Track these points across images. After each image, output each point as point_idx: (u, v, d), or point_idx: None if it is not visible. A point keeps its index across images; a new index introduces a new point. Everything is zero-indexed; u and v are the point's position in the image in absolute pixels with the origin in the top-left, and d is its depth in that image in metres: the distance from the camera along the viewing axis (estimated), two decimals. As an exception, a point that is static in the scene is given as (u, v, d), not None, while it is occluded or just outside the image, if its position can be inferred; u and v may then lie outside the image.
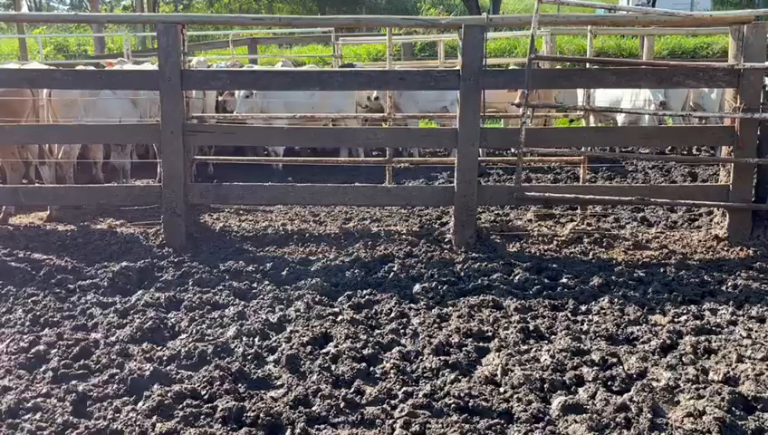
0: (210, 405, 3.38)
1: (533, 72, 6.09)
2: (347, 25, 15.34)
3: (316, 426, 3.25)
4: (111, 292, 5.01)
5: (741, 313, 4.56)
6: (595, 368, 3.72)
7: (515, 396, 3.46)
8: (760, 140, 5.98)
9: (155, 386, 3.55)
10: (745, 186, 6.01)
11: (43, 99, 7.57)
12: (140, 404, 3.40)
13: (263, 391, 3.56)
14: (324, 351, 3.98)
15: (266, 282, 5.17)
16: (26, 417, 3.30)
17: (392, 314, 4.53)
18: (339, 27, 14.43)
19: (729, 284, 5.11)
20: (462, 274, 5.35)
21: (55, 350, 3.99)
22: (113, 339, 4.16)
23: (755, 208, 6.04)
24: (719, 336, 4.20)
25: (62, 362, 3.83)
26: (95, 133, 7.02)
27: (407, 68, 11.27)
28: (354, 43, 18.96)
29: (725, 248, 5.99)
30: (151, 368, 3.71)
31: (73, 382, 3.62)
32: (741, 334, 4.20)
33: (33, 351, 3.96)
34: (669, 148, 10.12)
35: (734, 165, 6.05)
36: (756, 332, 4.24)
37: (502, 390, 3.55)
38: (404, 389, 3.53)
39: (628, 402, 3.36)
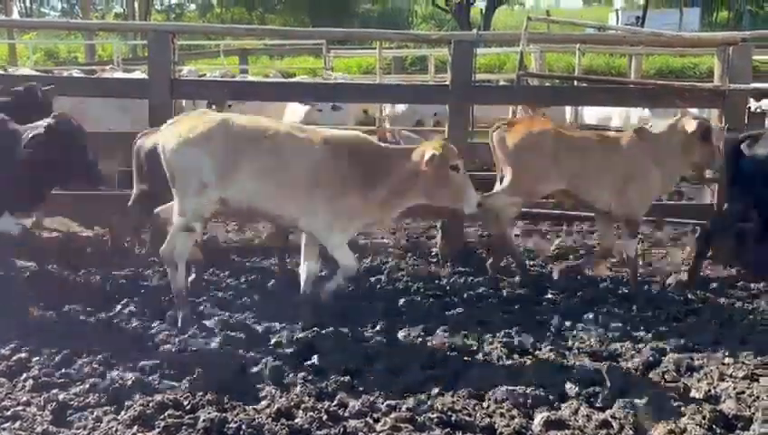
0: (192, 416, 3.35)
1: (522, 88, 6.14)
2: (338, 38, 15.43)
3: (298, 439, 3.24)
4: (96, 300, 4.97)
5: (723, 331, 4.59)
6: (578, 384, 3.73)
7: (498, 411, 3.46)
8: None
9: (137, 396, 3.52)
10: (730, 205, 6.05)
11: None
12: (122, 414, 3.37)
13: (245, 403, 3.54)
14: (308, 363, 3.97)
15: (251, 293, 5.16)
16: (5, 425, 3.26)
17: (377, 327, 4.52)
18: (330, 40, 14.48)
19: (712, 302, 5.15)
20: (448, 288, 5.35)
21: (37, 358, 3.96)
22: (96, 348, 4.12)
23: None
24: (701, 354, 4.22)
25: (43, 370, 3.80)
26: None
27: (397, 82, 11.31)
28: (345, 55, 19.02)
29: (709, 267, 6.03)
30: (133, 377, 3.68)
31: (54, 391, 3.59)
32: (723, 353, 4.23)
33: (14, 359, 3.92)
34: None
35: (718, 184, 6.11)
36: (738, 350, 4.26)
37: (485, 405, 3.55)
38: (387, 402, 3.52)
39: (610, 419, 3.37)
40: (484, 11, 39.53)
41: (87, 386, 3.63)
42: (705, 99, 6.22)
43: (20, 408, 3.40)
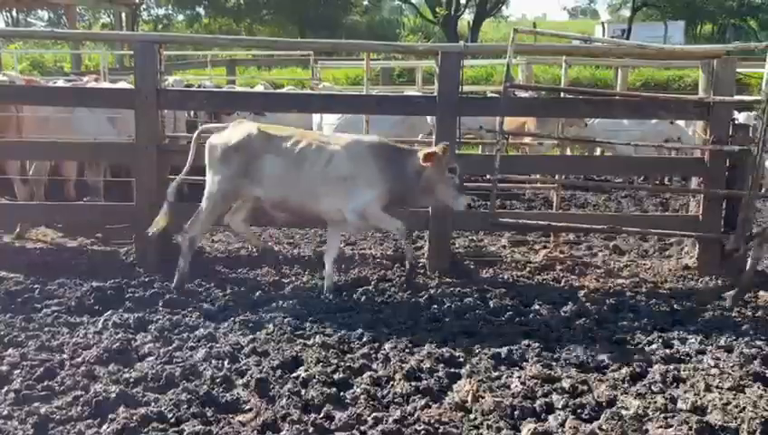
0: (176, 429, 3.32)
1: (509, 99, 6.16)
2: (325, 49, 15.45)
3: (284, 451, 3.21)
4: (79, 312, 4.92)
5: (709, 342, 4.60)
6: (565, 395, 3.73)
7: (485, 423, 3.45)
8: (729, 171, 6.08)
9: (120, 409, 3.48)
10: (715, 217, 6.10)
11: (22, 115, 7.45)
12: (104, 427, 3.33)
13: (230, 415, 3.51)
14: (294, 375, 3.94)
15: (237, 304, 5.12)
16: (-15, 439, 3.21)
17: (364, 339, 4.50)
18: (318, 51, 14.52)
19: (698, 313, 5.17)
20: (435, 299, 5.34)
21: (18, 371, 3.90)
22: (79, 360, 4.08)
23: (724, 239, 6.12)
24: (688, 365, 4.23)
25: (25, 383, 3.74)
26: (67, 150, 6.94)
27: (384, 93, 11.33)
28: (333, 66, 19.07)
29: (695, 278, 6.06)
30: (117, 390, 3.63)
31: (36, 404, 3.54)
32: (709, 364, 4.24)
33: (-5, 371, 3.87)
34: (642, 178, 10.26)
35: (703, 196, 6.15)
36: (724, 361, 4.28)
37: (472, 416, 3.54)
38: (374, 414, 3.50)
39: (597, 430, 3.37)
40: (471, 23, 39.86)
41: (69, 399, 3.59)
42: (690, 111, 6.27)
43: (1, 422, 3.34)
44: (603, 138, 7.98)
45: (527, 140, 10.04)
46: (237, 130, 5.37)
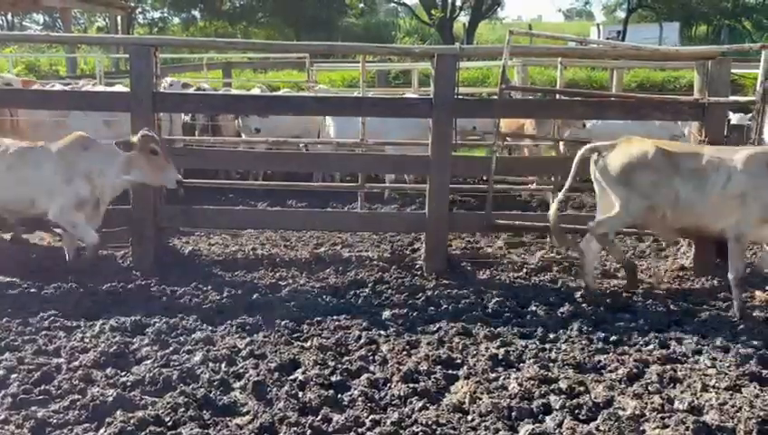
0: (174, 432, 3.33)
1: (505, 101, 6.17)
2: (321, 51, 15.41)
3: (282, 454, 3.21)
4: (76, 315, 4.91)
5: (706, 342, 4.61)
6: (562, 396, 3.73)
7: (483, 424, 3.46)
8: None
9: (117, 412, 3.47)
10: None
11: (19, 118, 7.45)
12: (102, 431, 3.33)
13: (228, 418, 3.51)
14: (292, 377, 3.95)
15: (235, 307, 5.12)
16: (-18, 444, 3.21)
17: (361, 341, 4.51)
18: (314, 53, 14.49)
19: (694, 313, 5.18)
20: (432, 300, 5.35)
21: (15, 375, 3.90)
22: (76, 364, 4.07)
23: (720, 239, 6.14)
24: (684, 365, 4.24)
25: (22, 387, 3.74)
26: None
27: (380, 95, 11.34)
28: (329, 69, 19.05)
29: (691, 278, 6.07)
30: (114, 394, 3.63)
31: (33, 408, 3.54)
32: (706, 364, 4.25)
33: (-8, 375, 3.86)
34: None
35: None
36: (721, 361, 4.29)
37: (470, 418, 3.54)
38: (371, 417, 3.50)
39: (594, 431, 3.38)
40: (466, 25, 39.89)
41: (67, 403, 3.58)
42: (685, 112, 6.29)
43: (-3, 426, 3.34)
44: (607, 139, 7.92)
45: (524, 141, 10.05)
46: (633, 147, 5.29)
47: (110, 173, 5.60)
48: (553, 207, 5.62)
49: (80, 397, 3.63)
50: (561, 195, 5.63)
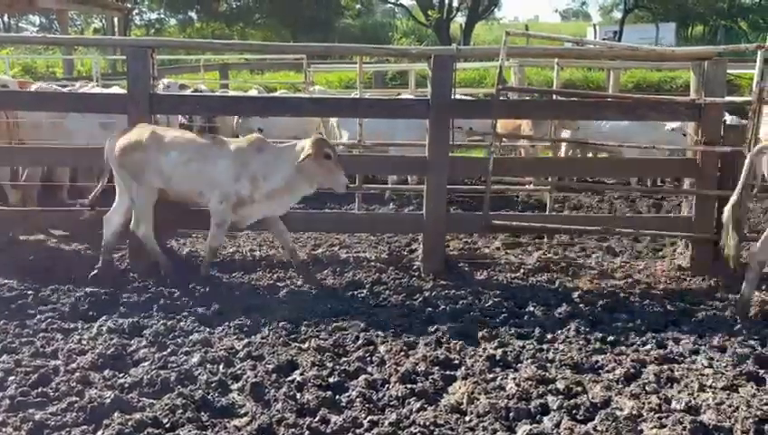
0: (172, 434, 3.33)
1: (502, 102, 6.18)
2: (317, 53, 15.45)
3: (280, 455, 3.21)
4: (74, 317, 4.91)
5: (703, 342, 4.63)
6: (560, 397, 3.74)
7: (481, 425, 3.46)
8: (720, 172, 6.11)
9: (115, 414, 3.48)
10: (707, 217, 6.12)
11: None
12: (99, 433, 3.33)
13: (226, 420, 3.51)
14: (290, 379, 3.95)
15: (233, 308, 5.12)
16: (-20, 446, 3.20)
17: (359, 342, 4.51)
18: (310, 54, 14.52)
19: (692, 313, 5.19)
20: (430, 301, 5.35)
21: (13, 377, 3.90)
22: (74, 366, 4.07)
23: (717, 239, 6.15)
24: (682, 365, 4.25)
25: (20, 389, 3.74)
26: (60, 156, 6.91)
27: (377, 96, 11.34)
28: (326, 70, 19.05)
29: (688, 278, 6.08)
30: (112, 395, 3.63)
31: (31, 411, 3.53)
32: (703, 364, 4.26)
33: (-11, 378, 3.86)
34: (636, 179, 10.29)
35: (695, 197, 6.18)
36: (718, 361, 4.30)
37: (467, 418, 3.55)
38: (369, 417, 3.51)
39: (592, 431, 3.38)
40: (463, 26, 39.92)
41: (64, 405, 3.58)
42: (682, 112, 6.30)
43: (-5, 428, 3.34)
44: (614, 142, 7.92)
45: (521, 142, 10.07)
46: None
47: (275, 178, 5.54)
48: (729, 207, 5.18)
49: (77, 399, 3.63)
50: (734, 196, 5.18)
